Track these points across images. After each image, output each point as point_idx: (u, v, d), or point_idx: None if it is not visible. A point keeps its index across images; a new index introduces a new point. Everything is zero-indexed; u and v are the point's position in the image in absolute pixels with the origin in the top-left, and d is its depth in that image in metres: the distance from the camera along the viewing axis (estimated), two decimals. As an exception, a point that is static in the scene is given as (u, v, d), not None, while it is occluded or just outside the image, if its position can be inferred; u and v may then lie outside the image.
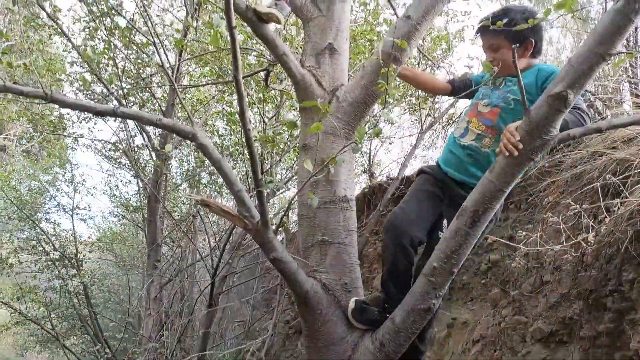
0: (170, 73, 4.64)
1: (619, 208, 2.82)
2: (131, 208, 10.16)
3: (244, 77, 2.73)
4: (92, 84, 7.99)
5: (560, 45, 7.76)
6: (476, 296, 4.39)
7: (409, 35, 2.49)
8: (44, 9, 5.82)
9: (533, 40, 2.31)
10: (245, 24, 2.73)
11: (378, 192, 7.16)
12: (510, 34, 2.17)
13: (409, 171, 6.75)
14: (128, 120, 8.19)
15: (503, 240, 3.70)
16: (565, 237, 2.94)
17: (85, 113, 7.81)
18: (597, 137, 3.59)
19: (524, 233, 3.13)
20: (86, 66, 7.22)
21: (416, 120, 7.57)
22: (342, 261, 2.43)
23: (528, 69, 2.32)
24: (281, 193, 8.88)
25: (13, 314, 9.01)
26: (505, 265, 4.11)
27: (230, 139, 8.46)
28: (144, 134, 7.71)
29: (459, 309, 4.49)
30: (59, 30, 6.84)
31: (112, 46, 6.91)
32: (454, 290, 4.68)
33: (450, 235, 2.08)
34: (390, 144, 8.25)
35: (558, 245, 3.04)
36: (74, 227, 10.42)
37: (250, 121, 1.97)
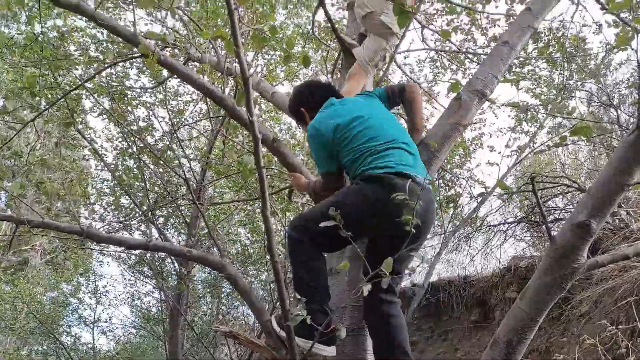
0: (193, 194, 4.80)
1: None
2: (152, 321, 10.01)
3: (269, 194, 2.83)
4: (120, 198, 8.28)
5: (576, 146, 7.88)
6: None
7: (428, 162, 2.59)
8: (83, 136, 6.18)
9: (302, 109, 2.60)
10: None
11: (402, 300, 6.98)
12: (294, 116, 2.68)
13: (434, 278, 6.64)
14: (153, 230, 8.38)
15: None
16: None
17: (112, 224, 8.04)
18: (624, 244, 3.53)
19: (561, 357, 2.99)
20: (117, 183, 7.53)
21: (438, 225, 7.57)
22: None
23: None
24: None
25: None
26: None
27: (253, 247, 8.53)
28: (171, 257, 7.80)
29: None
30: (94, 150, 7.25)
31: (142, 163, 7.25)
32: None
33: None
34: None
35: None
36: (94, 340, 10.24)
37: (278, 254, 2.01)
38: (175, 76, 3.20)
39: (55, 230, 2.36)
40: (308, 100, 2.58)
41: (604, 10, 3.62)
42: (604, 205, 1.81)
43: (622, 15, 5.43)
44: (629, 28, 2.00)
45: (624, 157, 1.79)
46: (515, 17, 4.01)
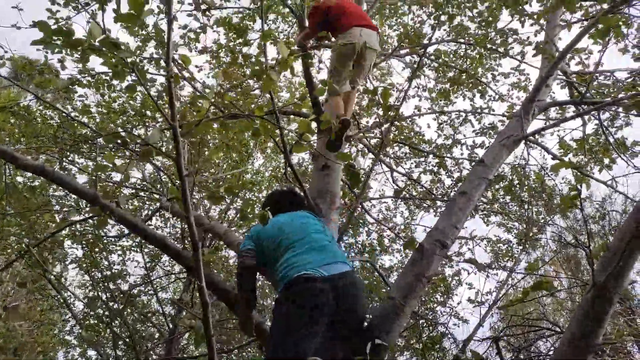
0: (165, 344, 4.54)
1: None
2: None
3: None
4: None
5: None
6: None
7: (395, 316, 2.50)
8: (53, 286, 5.98)
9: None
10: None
11: None
12: None
13: None
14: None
15: None
16: None
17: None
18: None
19: None
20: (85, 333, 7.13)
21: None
22: None
23: None
24: None
25: None
26: None
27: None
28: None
29: None
30: (62, 300, 6.96)
31: (112, 313, 6.94)
32: None
33: None
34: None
35: None
36: None
37: None
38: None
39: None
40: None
41: (555, 160, 3.82)
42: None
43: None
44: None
45: (584, 320, 1.74)
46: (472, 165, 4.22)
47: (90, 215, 3.57)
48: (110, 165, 2.13)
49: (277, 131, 2.71)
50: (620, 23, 4.19)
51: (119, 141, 2.09)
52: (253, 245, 2.59)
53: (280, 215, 2.72)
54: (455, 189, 6.03)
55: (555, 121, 4.06)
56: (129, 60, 1.87)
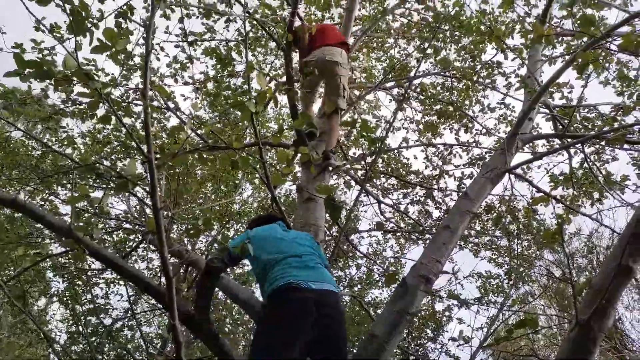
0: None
1: None
2: None
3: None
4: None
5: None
6: None
7: (377, 353, 2.43)
8: (33, 320, 5.81)
9: None
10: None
11: None
12: None
13: None
14: None
15: None
16: None
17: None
18: None
19: None
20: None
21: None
22: None
23: None
24: None
25: None
26: None
27: None
28: None
29: None
30: (43, 335, 6.75)
31: (92, 349, 6.74)
32: None
33: None
34: None
35: None
36: None
37: None
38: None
39: None
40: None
41: (540, 193, 3.81)
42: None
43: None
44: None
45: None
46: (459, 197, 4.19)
47: (66, 249, 3.48)
48: (84, 197, 2.08)
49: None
50: (601, 58, 4.27)
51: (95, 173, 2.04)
52: (237, 253, 2.48)
53: (279, 229, 2.76)
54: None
55: (537, 155, 4.06)
56: (105, 90, 1.84)
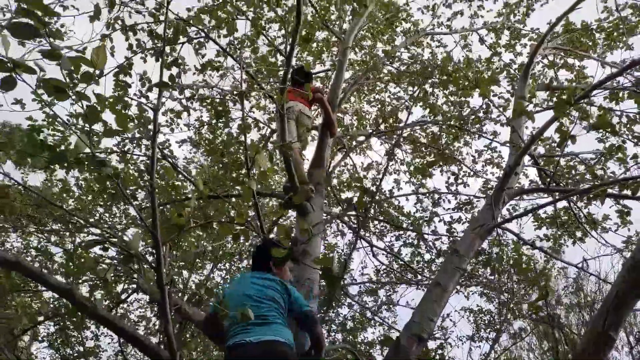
0: None
1: None
2: None
3: None
4: None
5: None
6: None
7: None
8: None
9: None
10: None
11: None
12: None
13: None
14: None
15: None
16: None
17: None
18: None
19: None
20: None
21: None
22: None
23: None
24: None
25: None
26: None
27: None
28: None
29: None
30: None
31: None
32: None
33: None
34: None
35: None
36: None
37: None
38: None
39: None
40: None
41: (526, 245, 3.92)
42: None
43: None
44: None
45: None
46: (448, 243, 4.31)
47: (64, 313, 3.51)
48: (89, 270, 2.15)
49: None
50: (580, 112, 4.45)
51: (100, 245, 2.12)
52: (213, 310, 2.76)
53: (249, 280, 2.84)
54: (436, 263, 6.10)
55: (526, 210, 4.20)
56: (112, 172, 1.94)
